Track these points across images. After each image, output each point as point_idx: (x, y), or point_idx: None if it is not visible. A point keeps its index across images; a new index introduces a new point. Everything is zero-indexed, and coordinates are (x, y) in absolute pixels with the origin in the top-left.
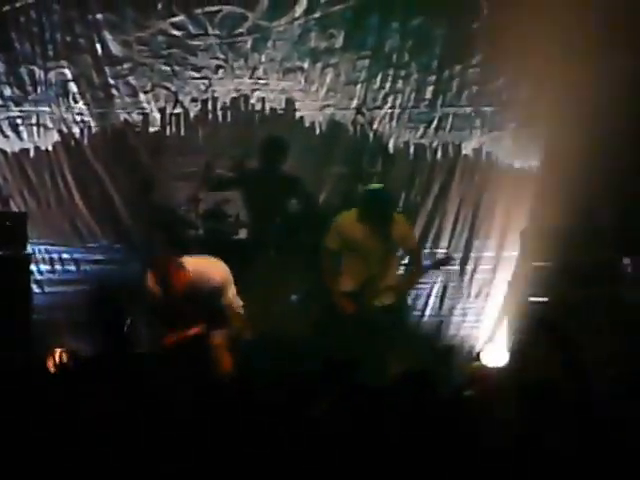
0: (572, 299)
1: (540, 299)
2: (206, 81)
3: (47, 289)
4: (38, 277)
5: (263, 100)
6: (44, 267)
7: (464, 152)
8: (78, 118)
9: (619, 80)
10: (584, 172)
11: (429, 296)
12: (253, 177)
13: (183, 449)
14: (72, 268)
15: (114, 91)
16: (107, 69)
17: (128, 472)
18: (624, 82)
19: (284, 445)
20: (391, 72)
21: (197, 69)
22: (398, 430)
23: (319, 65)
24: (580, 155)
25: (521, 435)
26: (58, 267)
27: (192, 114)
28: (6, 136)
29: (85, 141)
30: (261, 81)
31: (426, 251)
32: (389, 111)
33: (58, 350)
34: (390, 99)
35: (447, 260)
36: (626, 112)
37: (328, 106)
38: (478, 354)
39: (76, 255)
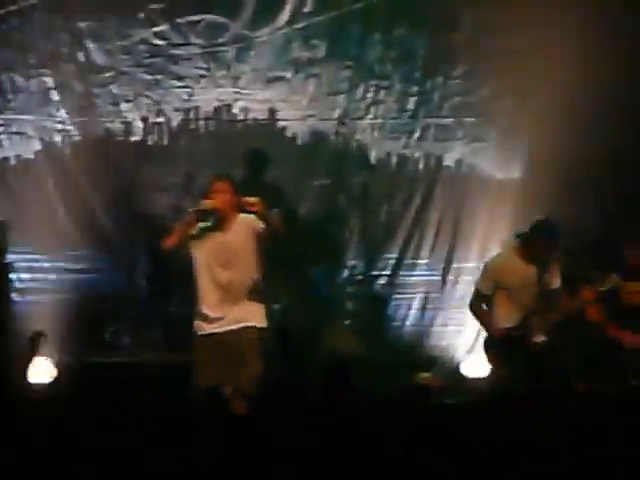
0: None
1: None
2: (188, 90)
3: (28, 298)
4: (19, 286)
5: (245, 110)
6: (25, 276)
7: (446, 163)
8: (59, 126)
9: (601, 90)
10: (565, 182)
11: (410, 306)
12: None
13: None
14: (53, 277)
15: (96, 100)
16: (89, 77)
17: None
18: (606, 93)
19: None
20: (373, 83)
21: (179, 78)
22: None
23: (302, 75)
24: (561, 165)
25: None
26: (39, 276)
27: (174, 123)
28: None
29: (66, 150)
30: (243, 91)
31: (407, 262)
32: (371, 121)
33: (40, 358)
34: (372, 109)
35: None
36: (609, 122)
37: (310, 116)
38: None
39: (57, 264)
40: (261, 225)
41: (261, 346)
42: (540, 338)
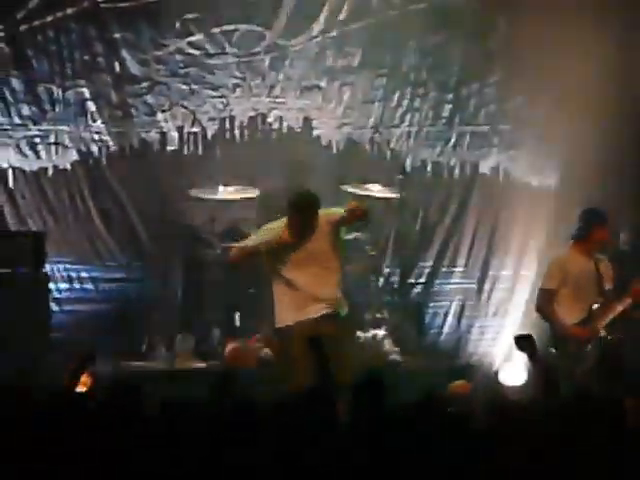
0: None
1: None
2: (224, 100)
3: (66, 307)
4: (57, 295)
5: (280, 119)
6: (63, 286)
7: (481, 170)
8: (96, 137)
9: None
10: (602, 190)
11: (447, 314)
12: (274, 197)
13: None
14: (90, 287)
15: (132, 110)
16: (125, 88)
17: None
18: None
19: None
20: (408, 90)
21: (215, 88)
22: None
23: (336, 84)
24: (598, 172)
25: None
26: (77, 285)
27: (210, 133)
28: (24, 155)
29: (103, 160)
30: (278, 100)
31: (444, 270)
32: (406, 129)
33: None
34: (407, 117)
35: None
36: None
37: (345, 124)
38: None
39: (94, 273)
40: (339, 213)
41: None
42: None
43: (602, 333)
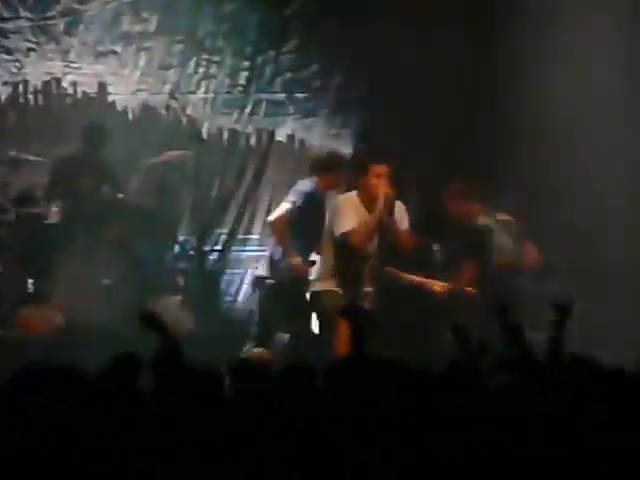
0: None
1: None
2: (17, 64)
3: None
4: None
5: (75, 84)
6: None
7: (278, 138)
8: None
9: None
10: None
11: (242, 282)
12: (67, 162)
13: None
14: None
15: None
16: None
17: None
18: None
19: None
20: (205, 57)
21: (8, 51)
22: None
23: (132, 49)
24: (396, 140)
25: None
26: None
27: (3, 97)
28: None
29: None
30: (73, 64)
31: (239, 237)
32: (203, 96)
33: None
34: (204, 84)
35: None
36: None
37: (141, 90)
38: None
39: None
40: None
41: None
42: None
43: None
